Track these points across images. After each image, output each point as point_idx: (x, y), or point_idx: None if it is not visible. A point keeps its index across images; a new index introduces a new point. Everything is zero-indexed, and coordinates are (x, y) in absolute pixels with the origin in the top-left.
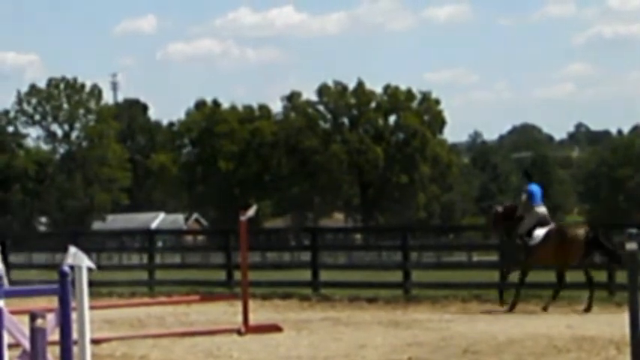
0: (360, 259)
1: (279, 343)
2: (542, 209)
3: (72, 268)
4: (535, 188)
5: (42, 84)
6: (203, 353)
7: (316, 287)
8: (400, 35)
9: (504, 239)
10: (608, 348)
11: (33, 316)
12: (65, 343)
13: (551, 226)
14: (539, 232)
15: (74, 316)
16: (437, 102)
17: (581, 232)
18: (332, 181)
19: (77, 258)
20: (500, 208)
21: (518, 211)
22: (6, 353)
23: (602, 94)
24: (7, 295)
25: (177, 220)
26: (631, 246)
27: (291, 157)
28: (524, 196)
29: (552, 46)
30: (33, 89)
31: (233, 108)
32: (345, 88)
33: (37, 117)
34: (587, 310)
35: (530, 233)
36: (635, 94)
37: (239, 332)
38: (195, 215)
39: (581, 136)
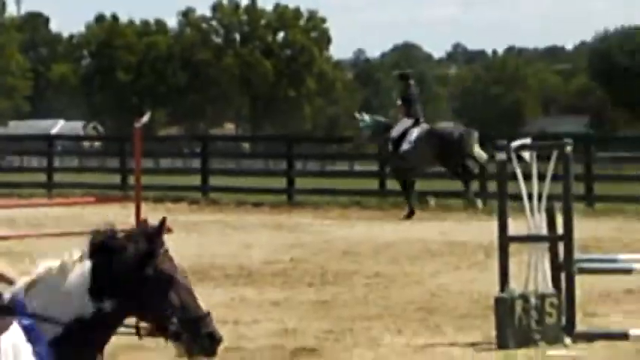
0: (248, 166)
1: (169, 244)
2: None
3: None
4: None
5: None
6: None
7: (206, 192)
8: None
9: None
10: (478, 253)
11: None
12: None
13: None
14: None
15: None
16: (323, 20)
17: None
18: (223, 93)
19: None
20: None
21: None
22: None
23: (481, 17)
24: None
25: (76, 127)
26: (501, 156)
27: (185, 70)
28: None
29: None
30: None
31: (131, 22)
32: (237, 5)
33: None
34: None
35: None
36: (509, 18)
37: None
38: (93, 123)
39: (459, 55)
